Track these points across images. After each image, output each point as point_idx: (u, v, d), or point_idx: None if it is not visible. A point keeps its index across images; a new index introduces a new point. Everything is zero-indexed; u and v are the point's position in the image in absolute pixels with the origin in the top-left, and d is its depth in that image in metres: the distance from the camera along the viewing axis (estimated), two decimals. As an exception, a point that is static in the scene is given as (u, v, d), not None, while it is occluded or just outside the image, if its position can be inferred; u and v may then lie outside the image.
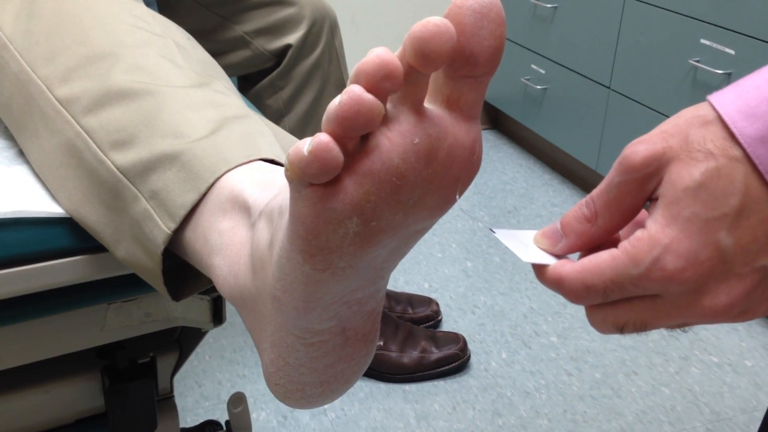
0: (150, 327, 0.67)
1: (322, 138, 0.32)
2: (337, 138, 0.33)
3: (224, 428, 0.84)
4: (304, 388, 0.44)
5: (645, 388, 1.39)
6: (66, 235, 0.56)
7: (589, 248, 0.41)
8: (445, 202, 0.38)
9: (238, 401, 0.81)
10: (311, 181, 0.34)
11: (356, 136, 0.33)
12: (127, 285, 0.62)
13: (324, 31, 1.24)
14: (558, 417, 1.32)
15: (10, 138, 0.64)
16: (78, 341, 0.65)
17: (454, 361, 1.40)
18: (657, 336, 1.54)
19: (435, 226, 1.92)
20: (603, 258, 0.38)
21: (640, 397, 1.37)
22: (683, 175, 0.36)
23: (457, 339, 1.41)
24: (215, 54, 1.21)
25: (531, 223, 1.96)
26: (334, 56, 1.27)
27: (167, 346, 0.73)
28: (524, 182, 2.19)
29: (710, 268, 0.36)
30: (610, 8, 1.85)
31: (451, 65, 0.35)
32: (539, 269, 0.41)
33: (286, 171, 0.34)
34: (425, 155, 0.35)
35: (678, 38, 1.64)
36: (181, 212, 0.49)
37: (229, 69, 1.23)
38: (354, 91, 0.32)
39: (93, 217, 0.53)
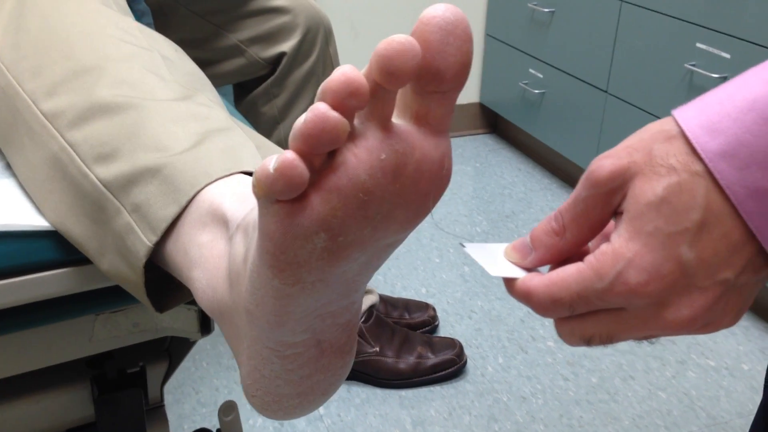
0: (138, 337, 0.67)
1: (288, 155, 0.33)
2: (303, 155, 0.33)
3: (216, 436, 0.84)
4: (281, 399, 0.45)
5: (641, 393, 1.39)
6: (52, 248, 0.56)
7: (558, 261, 0.41)
8: (415, 216, 0.38)
9: (229, 410, 0.82)
10: (278, 198, 0.34)
11: (323, 153, 0.34)
12: (115, 296, 0.62)
13: (318, 39, 1.24)
14: (554, 422, 1.32)
15: (-2, 151, 0.64)
16: (67, 352, 0.65)
17: (450, 366, 1.40)
18: (654, 340, 1.54)
19: (433, 230, 1.93)
20: (569, 272, 0.38)
21: (637, 401, 1.37)
22: (646, 189, 0.37)
23: (453, 344, 1.42)
24: (210, 62, 1.22)
25: (529, 228, 1.96)
26: (328, 63, 1.27)
27: (157, 355, 0.74)
28: (523, 186, 2.19)
29: (672, 282, 0.36)
30: (607, 12, 1.85)
31: (419, 81, 0.35)
32: (509, 283, 0.41)
33: (254, 188, 0.34)
34: (392, 170, 0.35)
35: (674, 42, 1.64)
36: (162, 225, 0.49)
37: (224, 77, 1.24)
38: (319, 108, 0.32)
39: (77, 230, 0.54)
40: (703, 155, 0.36)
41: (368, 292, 1.42)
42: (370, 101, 0.34)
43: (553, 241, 0.40)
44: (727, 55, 1.50)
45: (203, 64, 1.21)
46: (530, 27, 2.16)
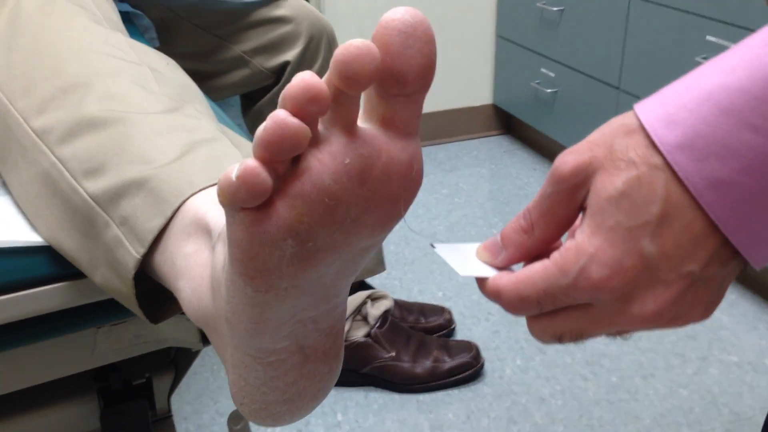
0: (141, 348, 0.68)
1: (249, 163, 0.33)
2: (266, 162, 0.33)
3: (227, 445, 0.85)
4: (268, 406, 0.45)
5: (662, 391, 1.38)
6: (47, 263, 0.57)
7: (528, 259, 0.41)
8: (387, 219, 0.38)
9: (237, 418, 0.82)
10: (242, 206, 0.34)
11: (286, 159, 0.34)
12: (114, 309, 0.63)
13: (322, 46, 1.25)
14: (574, 423, 1.31)
15: (-6, 170, 0.66)
16: (70, 366, 0.66)
17: (467, 369, 1.39)
18: (674, 337, 1.52)
19: (449, 234, 1.92)
20: (535, 269, 0.38)
21: (658, 399, 1.35)
22: (606, 184, 0.36)
23: (469, 347, 1.41)
24: (215, 74, 1.23)
25: (546, 228, 1.94)
26: (333, 71, 1.28)
27: (162, 366, 0.75)
28: (538, 186, 2.17)
29: (635, 276, 0.36)
30: (616, 8, 1.84)
31: (382, 85, 0.35)
32: (481, 282, 0.41)
33: (218, 196, 0.34)
34: (358, 175, 0.35)
35: (684, 36, 1.63)
36: (149, 237, 0.50)
37: (230, 88, 1.25)
38: (279, 116, 0.33)
39: (70, 245, 0.55)
40: (661, 147, 0.35)
41: (383, 297, 1.42)
42: (332, 106, 0.34)
43: (522, 239, 0.40)
44: (738, 46, 1.48)
45: (208, 76, 1.22)
46: (540, 26, 2.15)
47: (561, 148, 2.27)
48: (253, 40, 1.22)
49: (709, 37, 1.55)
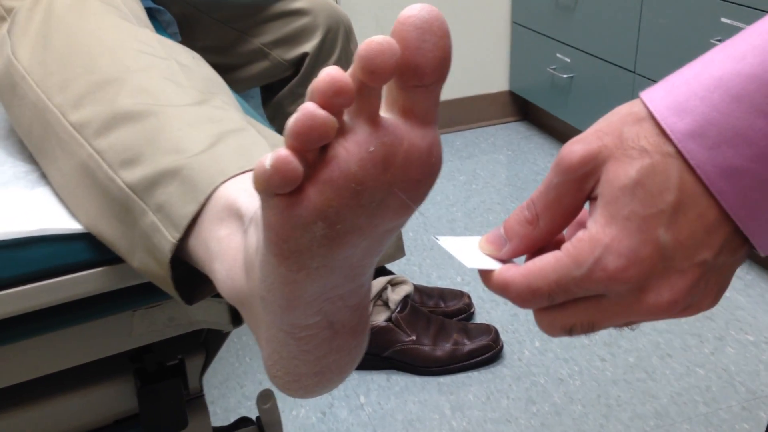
0: (174, 330, 0.71)
1: (282, 152, 0.36)
2: (296, 151, 0.36)
3: (255, 423, 0.88)
4: (300, 378, 0.48)
5: (679, 370, 1.40)
6: (87, 249, 0.61)
7: (533, 251, 0.41)
8: (411, 202, 0.41)
9: (266, 398, 0.86)
10: (276, 192, 0.37)
11: (315, 148, 0.37)
12: (150, 292, 0.66)
13: (339, 37, 1.28)
14: (592, 402, 1.33)
15: (34, 162, 0.69)
16: (109, 347, 0.70)
17: (486, 352, 1.42)
18: (691, 318, 1.54)
19: (467, 220, 1.95)
20: (547, 260, 0.38)
21: (675, 379, 1.37)
22: (620, 173, 0.36)
23: (488, 330, 1.44)
24: (236, 67, 1.26)
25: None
26: (351, 61, 1.30)
27: (194, 348, 0.78)
28: (556, 171, 2.19)
29: (651, 266, 0.36)
30: (630, -8, 1.84)
31: (401, 77, 0.37)
32: (485, 275, 0.41)
33: (254, 183, 0.37)
34: (381, 161, 0.38)
35: (698, 18, 1.63)
36: (184, 222, 0.53)
37: (249, 80, 1.28)
38: (308, 108, 0.35)
39: (109, 232, 0.58)
40: (672, 136, 0.35)
41: (402, 282, 1.45)
42: (356, 98, 0.37)
43: (526, 230, 0.40)
44: (752, 28, 1.49)
45: (229, 69, 1.25)
46: (555, 12, 2.16)
47: (577, 132, 2.28)
48: (272, 32, 1.25)
49: (723, 19, 1.56)
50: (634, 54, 1.86)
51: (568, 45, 2.13)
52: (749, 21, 1.49)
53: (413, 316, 1.42)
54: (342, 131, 0.37)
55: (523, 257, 0.42)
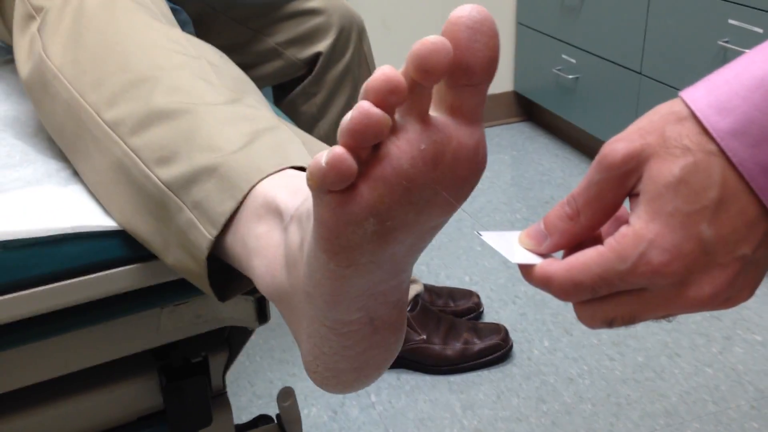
0: (201, 327, 0.72)
1: (337, 150, 0.36)
2: (351, 149, 0.37)
3: (275, 421, 0.89)
4: (339, 374, 0.49)
5: (688, 370, 1.41)
6: (120, 246, 0.61)
7: (572, 246, 0.42)
8: (455, 200, 0.41)
9: (286, 396, 0.86)
10: (330, 189, 0.38)
11: (368, 146, 0.37)
12: (178, 289, 0.67)
13: (352, 37, 1.28)
14: (602, 401, 1.34)
15: (64, 160, 0.69)
16: (136, 343, 0.70)
17: (496, 351, 1.43)
18: (699, 317, 1.55)
19: (473, 221, 1.96)
20: (590, 255, 0.39)
21: (683, 378, 1.38)
22: (663, 171, 0.37)
23: (498, 329, 1.45)
24: (249, 66, 1.26)
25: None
26: (363, 61, 1.31)
27: (218, 345, 0.78)
28: (561, 172, 2.20)
29: (694, 260, 0.37)
30: (637, -6, 1.85)
31: (451, 76, 0.38)
32: (526, 269, 0.42)
33: (308, 181, 0.38)
34: (432, 159, 0.39)
35: (706, 20, 1.64)
36: (222, 219, 0.53)
37: (263, 79, 1.29)
38: (363, 106, 0.36)
39: (143, 228, 0.58)
40: (714, 135, 0.36)
41: (413, 282, 1.46)
42: (408, 97, 0.37)
43: (567, 225, 0.41)
44: (760, 30, 1.50)
45: (243, 68, 1.25)
46: (561, 12, 2.17)
47: (583, 134, 2.29)
48: (286, 32, 1.25)
49: (731, 21, 1.57)
50: (641, 55, 1.87)
51: (574, 46, 2.14)
52: (757, 23, 1.50)
53: (424, 316, 1.43)
54: (394, 129, 0.38)
55: (560, 252, 0.43)
